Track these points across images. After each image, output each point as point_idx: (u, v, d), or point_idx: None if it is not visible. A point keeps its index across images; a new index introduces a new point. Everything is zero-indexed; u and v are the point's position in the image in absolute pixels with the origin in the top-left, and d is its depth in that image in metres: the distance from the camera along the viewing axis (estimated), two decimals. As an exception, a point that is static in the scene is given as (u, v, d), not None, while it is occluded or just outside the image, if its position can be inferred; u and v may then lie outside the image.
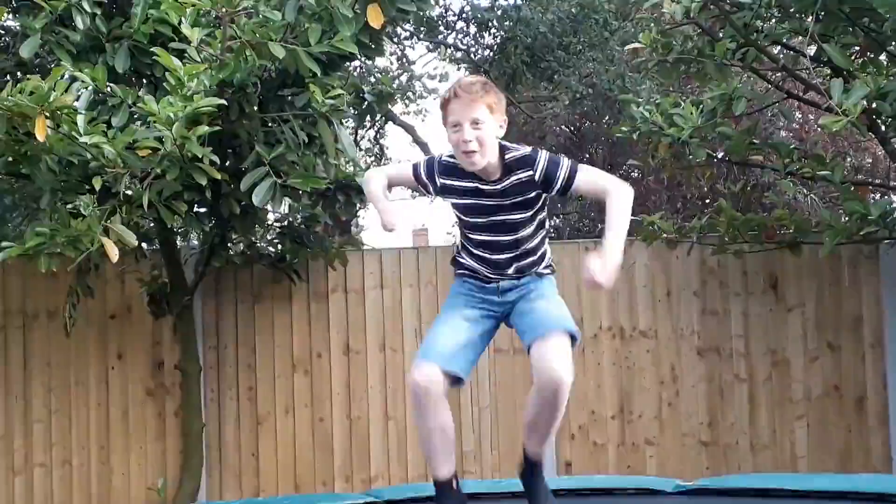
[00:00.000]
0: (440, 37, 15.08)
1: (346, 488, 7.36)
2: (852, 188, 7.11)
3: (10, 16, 6.27)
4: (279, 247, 7.50)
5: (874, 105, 6.01)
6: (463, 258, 3.71)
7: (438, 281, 7.55)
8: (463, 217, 3.65)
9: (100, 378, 7.48)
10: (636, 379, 7.53)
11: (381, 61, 14.50)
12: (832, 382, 7.40)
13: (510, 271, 3.62)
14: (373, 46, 5.99)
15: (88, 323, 7.42)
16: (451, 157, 3.58)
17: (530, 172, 3.49)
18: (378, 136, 16.76)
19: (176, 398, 7.41)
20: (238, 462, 7.47)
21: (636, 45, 7.10)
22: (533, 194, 3.52)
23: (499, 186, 3.52)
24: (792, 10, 6.40)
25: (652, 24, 6.96)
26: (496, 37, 14.70)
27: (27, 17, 5.92)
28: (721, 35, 6.72)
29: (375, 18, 5.57)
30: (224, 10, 5.46)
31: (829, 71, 6.87)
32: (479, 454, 7.49)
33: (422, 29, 15.06)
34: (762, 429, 7.42)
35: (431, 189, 3.68)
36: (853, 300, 7.41)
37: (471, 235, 3.64)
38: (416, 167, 3.70)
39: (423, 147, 16.32)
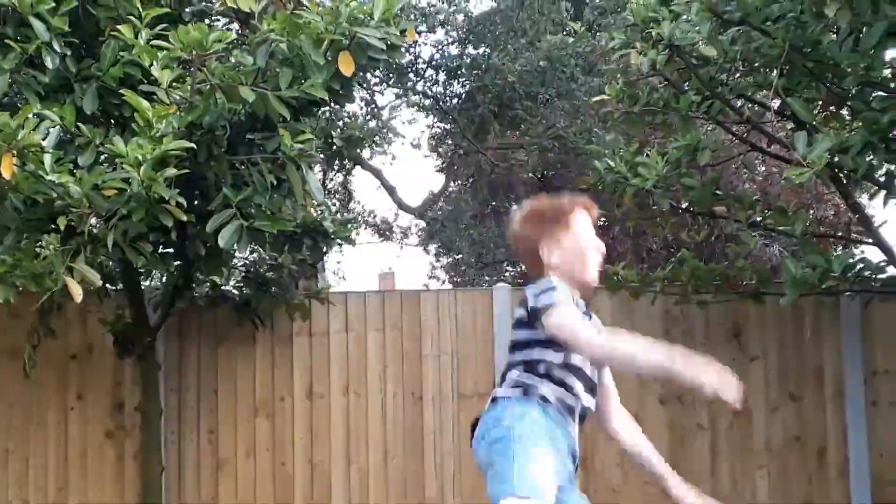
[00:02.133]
0: (409, 84, 15.13)
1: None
2: (814, 240, 7.18)
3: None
4: (243, 290, 7.47)
5: (836, 159, 6.08)
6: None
7: (404, 325, 7.55)
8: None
9: (59, 418, 7.42)
10: (599, 427, 7.49)
11: (350, 106, 14.53)
12: (793, 433, 7.43)
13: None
14: (342, 93, 6.00)
15: (49, 362, 7.35)
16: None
17: None
18: (346, 180, 16.79)
19: (136, 440, 7.34)
20: (197, 506, 7.40)
21: (603, 96, 7.17)
22: None
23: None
24: (756, 64, 6.48)
25: (619, 76, 7.02)
26: (465, 85, 14.79)
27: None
28: (686, 87, 6.79)
29: (346, 66, 5.59)
30: (195, 53, 5.47)
31: (792, 124, 6.95)
32: (441, 501, 7.44)
33: (391, 75, 15.12)
34: (723, 477, 7.43)
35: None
36: (814, 351, 7.46)
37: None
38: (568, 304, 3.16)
39: (391, 191, 16.35)
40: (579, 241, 3.27)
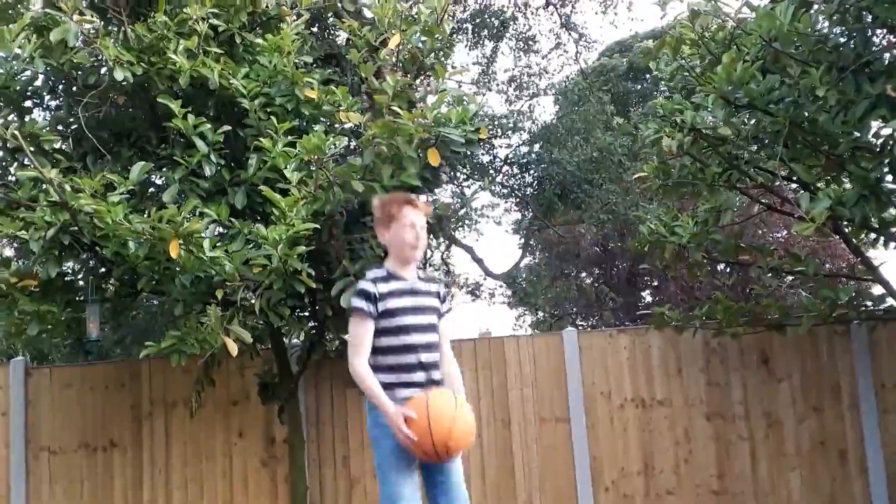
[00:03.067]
0: (490, 178, 15.27)
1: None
2: (825, 279, 7.01)
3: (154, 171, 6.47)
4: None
5: (836, 212, 5.96)
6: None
7: (493, 364, 7.53)
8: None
9: (225, 452, 7.50)
10: (656, 440, 7.36)
11: (445, 197, 14.69)
12: (818, 439, 7.17)
13: None
14: (432, 180, 6.10)
15: (216, 408, 7.48)
16: (376, 276, 3.57)
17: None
18: (444, 256, 16.89)
19: (285, 466, 7.38)
20: (336, 517, 7.41)
21: (642, 173, 7.15)
22: None
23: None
24: (765, 140, 6.41)
25: (654, 157, 7.00)
26: (534, 176, 14.87)
27: (168, 171, 6.15)
28: (710, 162, 6.75)
29: (434, 158, 5.69)
30: (316, 157, 5.62)
31: (796, 186, 6.84)
32: (530, 507, 7.34)
33: (476, 173, 15.28)
34: (763, 479, 7.19)
35: (375, 310, 3.47)
36: (831, 370, 7.22)
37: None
38: (361, 312, 3.48)
39: (480, 262, 16.39)
40: (400, 228, 3.54)
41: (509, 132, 15.26)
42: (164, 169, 6.30)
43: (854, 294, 6.62)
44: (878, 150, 5.80)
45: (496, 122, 14.87)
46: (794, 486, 7.15)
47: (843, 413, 7.17)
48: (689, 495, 7.24)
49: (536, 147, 14.86)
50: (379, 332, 3.49)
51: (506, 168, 15.40)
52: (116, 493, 7.44)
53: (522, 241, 17.36)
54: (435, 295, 3.69)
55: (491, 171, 15.47)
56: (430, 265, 14.48)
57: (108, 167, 6.21)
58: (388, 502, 3.48)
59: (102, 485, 7.45)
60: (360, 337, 3.46)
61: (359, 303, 3.47)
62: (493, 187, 15.74)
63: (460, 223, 15.17)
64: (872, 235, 6.73)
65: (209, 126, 5.91)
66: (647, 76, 16.05)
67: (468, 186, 16.10)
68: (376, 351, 3.50)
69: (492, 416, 7.47)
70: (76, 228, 5.41)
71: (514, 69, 16.11)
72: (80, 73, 6.26)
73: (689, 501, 7.21)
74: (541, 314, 17.42)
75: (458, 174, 14.96)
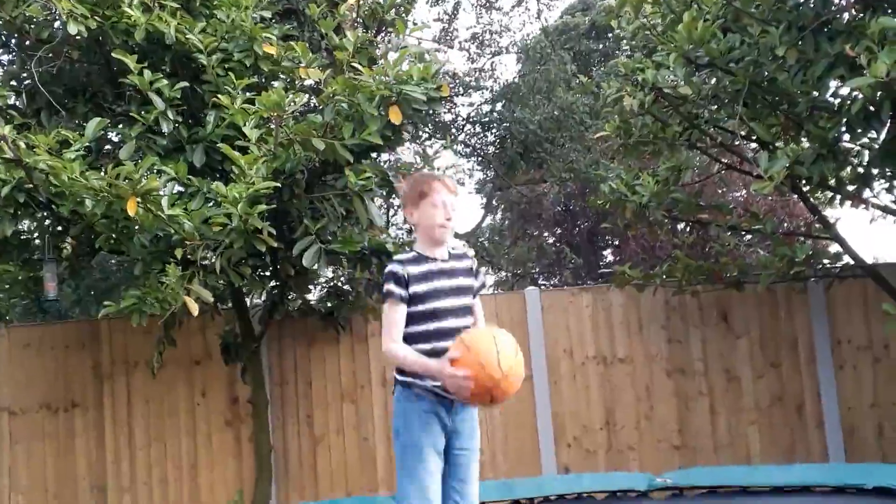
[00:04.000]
0: (452, 136, 15.19)
1: (388, 494, 7.27)
2: (782, 237, 7.09)
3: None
4: (327, 303, 7.50)
5: (794, 170, 6.00)
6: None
7: (455, 324, 7.53)
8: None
9: (188, 411, 7.46)
10: (618, 397, 7.44)
11: (407, 157, 14.59)
12: (776, 394, 7.30)
13: None
14: (394, 139, 6.03)
15: (178, 368, 7.43)
16: (405, 257, 3.37)
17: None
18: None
19: (249, 426, 7.37)
20: (300, 474, 7.40)
21: (603, 133, 7.15)
22: None
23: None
24: (725, 99, 6.43)
25: (616, 116, 7.00)
26: (496, 135, 14.82)
27: (125, 128, 6.03)
28: (670, 121, 6.76)
29: (395, 116, 5.63)
30: (276, 114, 5.54)
31: (755, 145, 6.89)
32: (490, 460, 7.40)
33: (438, 132, 15.19)
34: (722, 433, 7.30)
35: (407, 293, 3.27)
36: (789, 326, 7.33)
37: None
38: (392, 296, 3.27)
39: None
40: (429, 206, 3.36)
41: (471, 90, 15.16)
42: (121, 126, 6.18)
43: (811, 252, 6.72)
44: (835, 109, 5.84)
45: (458, 80, 14.76)
46: (752, 439, 7.27)
47: (801, 368, 7.29)
48: (650, 450, 7.34)
49: (498, 106, 14.79)
50: (411, 319, 3.27)
51: (468, 127, 15.33)
52: (79, 454, 7.38)
53: (485, 200, 17.35)
54: (468, 272, 3.45)
55: (453, 130, 15.38)
56: (393, 225, 14.45)
57: (63, 123, 6.09)
58: (413, 495, 3.22)
59: (65, 445, 7.39)
60: (392, 321, 3.25)
61: (389, 286, 3.26)
62: (455, 146, 15.67)
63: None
64: (829, 194, 6.81)
65: (166, 82, 5.79)
66: (610, 35, 15.99)
67: (430, 145, 16.01)
68: (409, 338, 3.27)
69: (454, 373, 7.48)
70: (31, 186, 5.29)
71: (475, 27, 15.99)
72: (32, 27, 6.10)
73: (650, 456, 7.32)
74: (503, 273, 17.47)
75: (420, 133, 14.85)
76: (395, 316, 3.26)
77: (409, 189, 3.44)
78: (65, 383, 7.46)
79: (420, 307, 3.27)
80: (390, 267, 3.31)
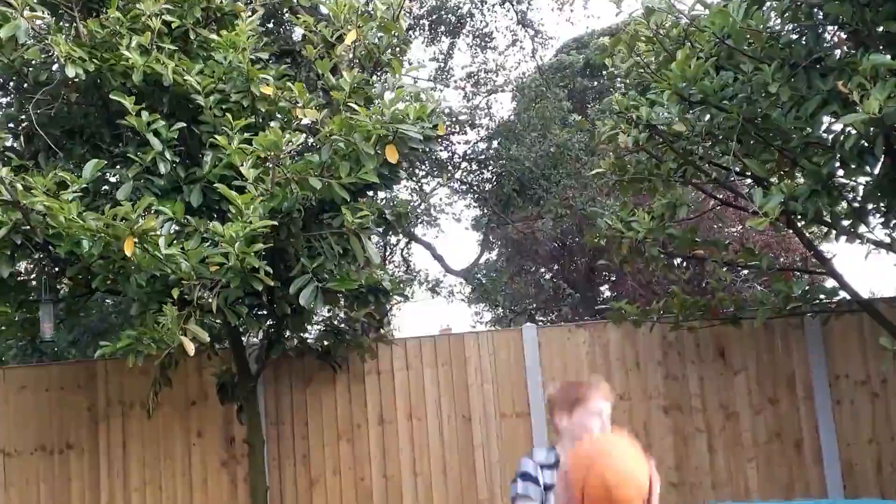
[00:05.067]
0: (449, 174, 15.28)
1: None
2: (779, 273, 7.12)
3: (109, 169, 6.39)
4: (324, 342, 7.50)
5: (789, 206, 6.04)
6: None
7: (453, 361, 7.53)
8: None
9: (184, 452, 7.43)
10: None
11: (403, 194, 14.66)
12: (774, 430, 7.27)
13: None
14: (390, 177, 6.08)
15: (174, 409, 7.41)
16: (543, 461, 3.19)
17: None
18: (404, 253, 16.88)
19: (245, 466, 7.33)
20: (296, 516, 7.37)
21: (598, 170, 7.20)
22: None
23: None
24: (719, 136, 6.49)
25: (611, 153, 7.05)
26: (492, 172, 14.90)
27: (122, 169, 6.07)
28: (665, 158, 6.81)
29: (391, 155, 5.68)
30: (273, 154, 5.58)
31: (750, 181, 6.93)
32: (492, 502, 7.36)
33: (434, 169, 15.28)
34: (720, 470, 7.27)
35: (541, 499, 3.12)
36: (786, 362, 7.33)
37: None
38: (521, 499, 3.12)
39: (440, 259, 16.39)
40: (586, 414, 3.19)
41: (467, 128, 15.27)
42: (118, 167, 6.23)
43: (807, 287, 6.74)
44: (829, 144, 5.89)
45: (454, 119, 14.87)
46: (751, 476, 7.24)
47: (799, 404, 7.28)
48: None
49: (494, 143, 14.89)
50: None
51: (464, 164, 15.42)
52: (74, 496, 7.35)
53: (482, 237, 17.41)
54: None
55: (449, 168, 15.47)
56: (390, 262, 14.48)
57: (60, 165, 6.13)
58: None
59: (59, 487, 7.35)
60: None
61: (520, 488, 3.12)
62: (451, 184, 15.76)
63: (420, 220, 15.17)
64: (825, 229, 6.84)
65: (163, 123, 5.85)
66: (604, 73, 16.15)
67: (427, 183, 16.11)
68: None
69: (453, 412, 7.48)
70: (28, 227, 5.32)
71: (471, 65, 16.14)
72: (30, 69, 6.17)
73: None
74: (500, 310, 17.49)
75: (417, 170, 14.95)
76: None
77: (560, 394, 3.31)
78: (60, 425, 7.44)
79: None
80: (526, 468, 3.16)
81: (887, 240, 6.59)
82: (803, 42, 5.69)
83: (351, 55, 6.30)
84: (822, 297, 6.91)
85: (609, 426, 3.17)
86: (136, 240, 5.03)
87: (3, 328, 7.21)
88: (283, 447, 7.46)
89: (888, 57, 5.01)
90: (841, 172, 5.99)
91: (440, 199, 16.83)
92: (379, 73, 6.73)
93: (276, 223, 5.50)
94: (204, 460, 7.43)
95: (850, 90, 5.02)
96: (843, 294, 6.87)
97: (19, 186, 5.21)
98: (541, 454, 3.17)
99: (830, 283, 7.06)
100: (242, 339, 7.24)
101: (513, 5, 15.29)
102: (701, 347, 7.43)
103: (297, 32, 8.63)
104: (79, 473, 7.37)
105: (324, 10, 7.24)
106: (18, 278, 6.56)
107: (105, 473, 7.37)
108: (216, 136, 5.76)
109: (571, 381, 3.39)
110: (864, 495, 6.99)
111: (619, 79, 7.52)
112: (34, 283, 6.63)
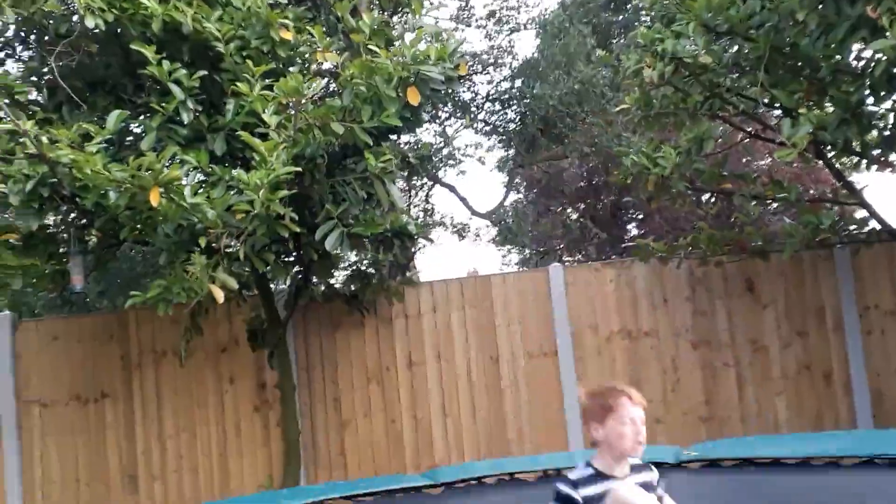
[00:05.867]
0: (472, 115, 15.21)
1: (416, 473, 7.38)
2: (807, 205, 7.10)
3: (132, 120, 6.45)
4: (351, 287, 7.59)
5: (818, 137, 6.01)
6: None
7: (479, 303, 7.61)
8: None
9: (216, 399, 7.60)
10: (644, 370, 7.50)
11: (427, 137, 14.65)
12: (804, 363, 7.33)
13: None
14: (413, 120, 6.09)
15: (205, 356, 7.56)
16: (578, 476, 3.12)
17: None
18: (427, 196, 16.89)
19: (277, 411, 7.50)
20: (328, 459, 7.53)
21: (624, 105, 7.16)
22: None
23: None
24: (746, 66, 6.43)
25: (636, 88, 7.01)
26: (516, 112, 14.82)
27: (145, 119, 6.12)
28: (691, 91, 6.77)
29: (413, 97, 5.69)
30: (294, 99, 5.61)
31: (778, 112, 6.88)
32: (519, 441, 7.49)
33: (457, 111, 15.22)
34: (749, 404, 7.35)
35: None
36: (815, 294, 7.36)
37: None
38: None
39: (464, 201, 16.40)
40: (618, 423, 3.11)
41: (490, 68, 15.16)
42: (141, 117, 6.27)
43: (836, 218, 6.72)
44: (858, 72, 5.84)
45: (476, 58, 14.76)
46: (780, 408, 7.32)
47: (828, 336, 7.32)
48: (677, 422, 7.40)
49: (518, 83, 14.77)
50: None
51: (487, 105, 15.33)
52: (110, 445, 7.55)
53: (507, 179, 17.37)
54: (652, 486, 3.21)
55: (473, 109, 15.39)
56: (413, 206, 14.52)
57: (84, 117, 6.18)
58: None
59: (95, 437, 7.55)
60: None
61: None
62: (475, 125, 15.69)
63: (444, 163, 15.16)
64: (855, 159, 6.80)
65: (184, 72, 5.87)
66: (629, 6, 15.92)
67: (450, 125, 16.05)
68: None
69: (480, 353, 7.58)
70: (55, 180, 5.40)
71: (492, 3, 15.96)
72: (51, 21, 6.19)
73: (677, 428, 7.38)
74: (527, 251, 17.50)
75: (440, 113, 14.89)
76: None
77: (591, 403, 3.22)
78: (94, 374, 7.62)
79: None
80: (560, 486, 3.09)
81: (919, 168, 6.55)
82: (831, -33, 5.61)
83: (370, -4, 6.28)
84: (851, 227, 6.90)
85: (644, 432, 3.13)
86: (161, 190, 5.09)
87: (34, 281, 7.34)
88: (314, 391, 7.60)
89: (918, -20, 4.94)
90: (871, 101, 5.95)
91: (464, 145, 16.79)
92: (399, 14, 6.71)
93: (299, 169, 5.54)
94: (237, 406, 7.59)
95: (880, 15, 4.97)
96: (873, 224, 6.86)
97: (44, 140, 5.28)
98: (576, 472, 3.13)
99: (860, 213, 7.04)
100: (270, 285, 7.34)
101: (533, -61, 15.05)
102: (729, 282, 7.46)
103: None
104: (114, 423, 7.57)
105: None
106: (47, 231, 6.67)
107: (140, 422, 7.56)
108: (237, 84, 5.79)
109: (598, 388, 3.28)
110: (894, 425, 7.05)
111: (643, 11, 7.43)
112: (63, 235, 6.74)
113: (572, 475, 3.09)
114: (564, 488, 3.04)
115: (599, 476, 3.08)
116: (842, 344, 7.25)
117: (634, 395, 3.17)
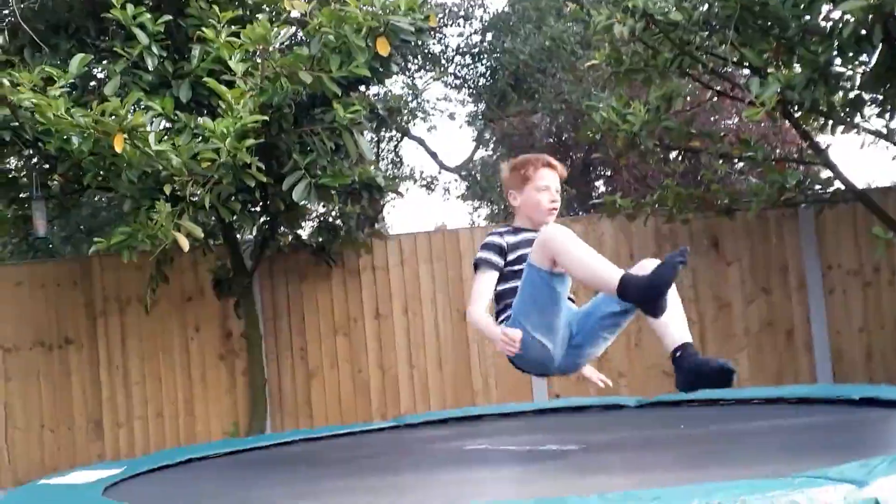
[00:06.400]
0: (442, 68, 15.09)
1: (382, 420, 7.42)
2: (773, 164, 7.14)
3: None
4: (319, 238, 7.55)
5: (786, 95, 6.02)
6: None
7: (448, 257, 7.62)
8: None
9: (182, 347, 7.58)
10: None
11: (395, 89, 14.51)
12: (766, 319, 7.42)
13: None
14: (382, 71, 6.05)
15: (171, 304, 7.52)
16: (503, 230, 3.31)
17: None
18: (396, 148, 16.79)
19: (243, 360, 7.50)
20: (295, 408, 7.55)
21: (594, 61, 7.13)
22: None
23: None
24: (715, 24, 6.41)
25: (606, 44, 6.97)
26: (486, 66, 14.73)
27: (109, 64, 6.02)
28: (661, 48, 6.75)
29: (383, 48, 5.63)
30: (261, 47, 5.53)
31: (747, 71, 6.89)
32: (486, 393, 7.55)
33: (427, 63, 15.09)
34: (711, 360, 7.44)
35: (503, 260, 3.25)
36: (779, 253, 7.42)
37: None
38: (484, 263, 3.24)
39: (433, 155, 16.34)
40: (534, 190, 3.29)
41: (460, 20, 15.01)
42: (105, 62, 6.17)
43: (802, 178, 6.77)
44: (827, 33, 5.84)
45: (446, 10, 14.61)
46: (742, 365, 7.41)
47: (791, 294, 7.40)
48: (640, 377, 7.49)
49: (489, 36, 14.66)
50: (503, 277, 3.25)
51: (458, 58, 15.21)
52: (75, 390, 7.52)
53: (476, 133, 17.30)
54: None
55: (443, 62, 15.26)
56: (381, 158, 14.44)
57: (46, 60, 6.07)
58: None
59: (59, 382, 7.52)
60: (478, 289, 3.24)
61: (482, 254, 3.25)
62: (445, 78, 15.57)
63: (413, 115, 15.05)
64: (821, 120, 6.83)
65: (149, 16, 5.77)
66: (601, -39, 15.81)
67: (420, 77, 15.91)
68: (502, 295, 3.27)
69: (448, 307, 7.60)
70: (17, 124, 5.32)
71: (464, -46, 15.76)
72: (11, -39, 6.05)
73: (640, 382, 7.46)
74: (496, 206, 17.50)
75: (409, 65, 14.75)
76: (480, 285, 3.24)
77: (510, 172, 3.37)
78: (58, 320, 7.56)
79: (515, 267, 3.24)
80: (489, 238, 3.27)
81: (884, 130, 6.59)
82: (803, -75, 5.59)
83: (340, -57, 6.17)
84: (816, 187, 6.96)
85: (558, 199, 3.34)
86: (125, 136, 5.03)
87: (-5, 225, 7.25)
88: (281, 341, 7.60)
89: (889, -60, 4.93)
90: (838, 61, 5.96)
91: (435, 98, 16.69)
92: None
93: (266, 118, 5.49)
94: (202, 354, 7.58)
95: (850, -24, 4.96)
96: (837, 184, 6.92)
97: (6, 82, 5.18)
98: (499, 228, 3.32)
99: (825, 173, 7.09)
100: (237, 235, 7.29)
101: None
102: (695, 239, 7.51)
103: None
104: (78, 368, 7.53)
105: None
106: (9, 175, 6.57)
107: (105, 368, 7.53)
108: (203, 30, 5.69)
109: (521, 158, 3.46)
110: (852, 382, 7.18)
111: (615, -34, 7.37)
112: (25, 179, 6.64)
113: (497, 230, 3.31)
114: (491, 237, 3.26)
115: (518, 229, 3.31)
116: (804, 302, 7.34)
117: (553, 162, 3.36)
